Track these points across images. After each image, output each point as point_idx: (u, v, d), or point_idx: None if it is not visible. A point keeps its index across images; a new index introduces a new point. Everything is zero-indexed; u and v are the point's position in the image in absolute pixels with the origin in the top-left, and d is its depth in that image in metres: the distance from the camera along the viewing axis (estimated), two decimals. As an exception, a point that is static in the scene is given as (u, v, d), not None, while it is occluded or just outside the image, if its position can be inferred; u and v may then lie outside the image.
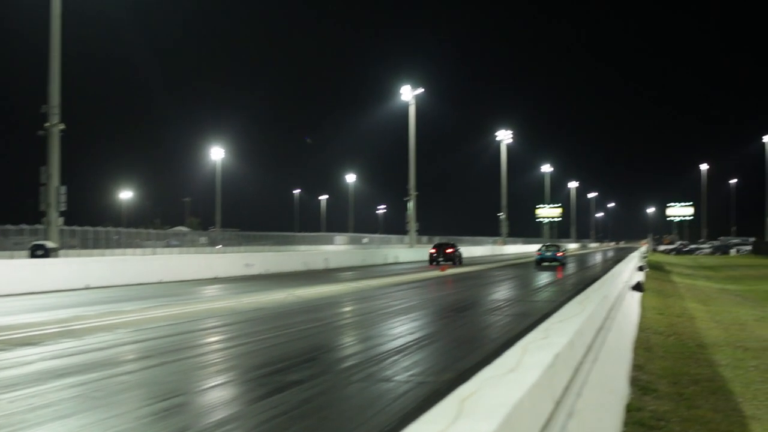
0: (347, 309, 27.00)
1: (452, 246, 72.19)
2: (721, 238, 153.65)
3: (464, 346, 17.30)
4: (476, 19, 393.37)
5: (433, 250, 71.07)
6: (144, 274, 40.99)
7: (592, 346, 7.31)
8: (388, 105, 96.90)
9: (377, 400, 11.24)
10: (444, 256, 69.29)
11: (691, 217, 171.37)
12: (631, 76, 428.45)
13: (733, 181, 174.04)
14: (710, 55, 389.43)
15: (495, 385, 3.91)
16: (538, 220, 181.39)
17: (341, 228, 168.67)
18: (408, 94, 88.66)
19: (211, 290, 35.12)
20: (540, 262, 64.31)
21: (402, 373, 13.31)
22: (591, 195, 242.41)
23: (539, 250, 67.66)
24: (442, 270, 53.26)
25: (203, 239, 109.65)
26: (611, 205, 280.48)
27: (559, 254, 65.38)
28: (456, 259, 70.06)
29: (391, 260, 75.00)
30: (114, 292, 33.13)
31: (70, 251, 65.68)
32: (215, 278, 44.57)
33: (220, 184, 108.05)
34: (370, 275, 47.04)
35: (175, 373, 13.75)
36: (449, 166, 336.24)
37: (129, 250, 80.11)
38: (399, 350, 16.06)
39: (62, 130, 44.71)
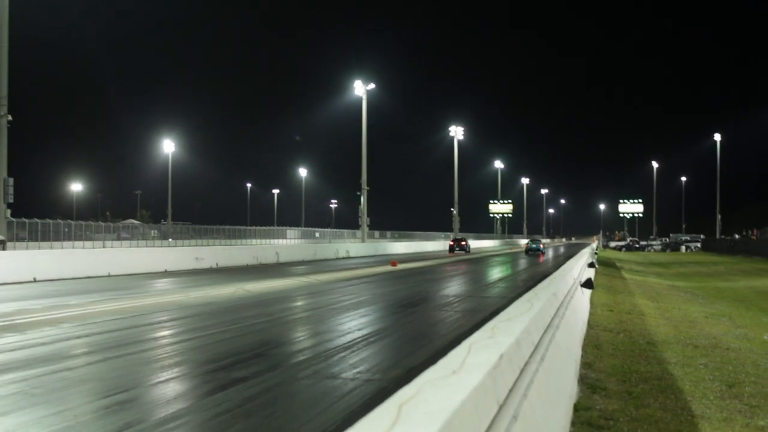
0: (297, 304, 26.80)
1: (464, 240, 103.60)
2: (672, 235, 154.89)
3: (413, 342, 17.15)
4: (430, 15, 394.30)
5: (452, 243, 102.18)
6: (92, 267, 40.60)
7: (539, 344, 7.20)
8: (341, 100, 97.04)
9: (323, 398, 11.08)
10: (459, 246, 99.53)
11: (642, 214, 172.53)
12: (584, 72, 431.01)
13: (684, 178, 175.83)
14: (664, 53, 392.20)
15: (436, 387, 3.76)
16: (491, 215, 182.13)
17: (294, 222, 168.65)
18: (360, 88, 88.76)
19: (160, 284, 34.81)
20: (528, 251, 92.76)
21: (349, 370, 13.16)
22: (543, 191, 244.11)
23: (527, 243, 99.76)
24: (393, 265, 53.17)
25: (154, 232, 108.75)
26: (563, 201, 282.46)
27: (542, 245, 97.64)
28: (467, 248, 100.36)
29: (342, 255, 74.98)
30: (61, 286, 32.77)
31: (18, 243, 64.93)
32: (165, 272, 44.27)
33: (171, 177, 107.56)
34: (321, 270, 46.95)
35: (120, 368, 13.51)
36: (403, 162, 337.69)
37: (79, 243, 79.14)
38: (347, 346, 15.92)
39: (9, 122, 44.18)
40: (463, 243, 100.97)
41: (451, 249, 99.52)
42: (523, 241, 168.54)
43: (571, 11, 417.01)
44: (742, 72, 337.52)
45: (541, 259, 74.75)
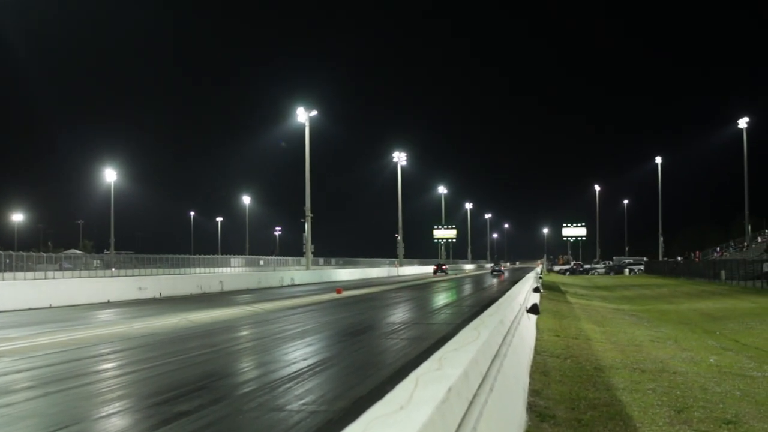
0: (241, 334, 26.54)
1: (444, 264, 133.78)
2: (615, 258, 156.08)
3: (359, 372, 16.98)
4: (372, 43, 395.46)
5: (436, 267, 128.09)
6: (34, 298, 40.07)
7: (487, 375, 7.07)
8: (284, 127, 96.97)
9: (268, 431, 10.89)
10: (441, 270, 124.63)
11: (585, 238, 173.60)
12: (527, 97, 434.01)
13: (626, 201, 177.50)
14: (606, 76, 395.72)
15: (384, 424, 3.62)
16: (435, 241, 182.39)
17: (238, 250, 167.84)
18: (303, 115, 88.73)
19: (102, 315, 34.38)
20: (493, 272, 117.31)
21: (295, 401, 12.97)
22: (487, 216, 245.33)
23: (492, 266, 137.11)
24: (338, 293, 52.99)
25: (97, 262, 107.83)
26: (507, 225, 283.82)
27: (503, 268, 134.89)
28: (446, 271, 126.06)
29: (287, 282, 74.65)
30: (1, 318, 32.24)
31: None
32: (108, 302, 43.77)
33: (113, 206, 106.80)
34: (266, 298, 46.66)
35: (61, 404, 13.21)
36: (347, 188, 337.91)
37: (20, 274, 78.19)
38: (293, 377, 15.72)
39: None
40: (444, 267, 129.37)
41: (435, 272, 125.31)
42: (468, 266, 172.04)
43: (522, 37, 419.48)
44: (686, 93, 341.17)
45: (502, 278, 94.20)
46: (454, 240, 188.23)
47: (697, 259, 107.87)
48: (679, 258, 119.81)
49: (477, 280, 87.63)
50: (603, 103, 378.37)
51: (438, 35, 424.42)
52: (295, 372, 16.50)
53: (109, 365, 18.71)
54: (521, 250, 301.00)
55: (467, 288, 65.56)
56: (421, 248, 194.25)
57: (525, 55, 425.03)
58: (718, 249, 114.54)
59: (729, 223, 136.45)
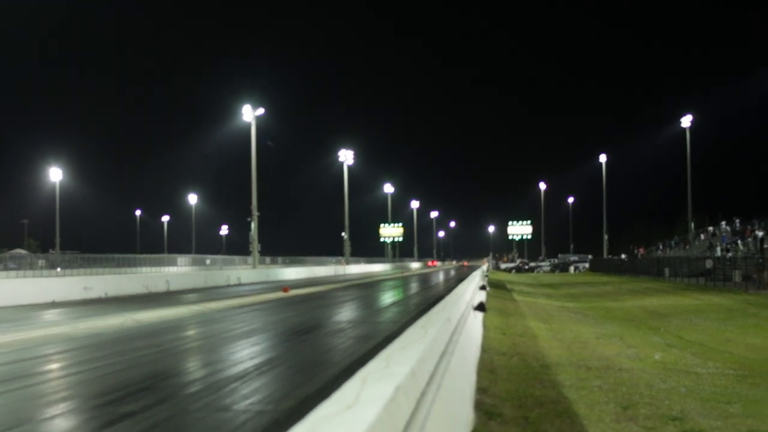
0: (188, 333, 26.37)
1: (436, 260, 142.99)
2: (560, 255, 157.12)
3: (306, 371, 16.91)
4: (318, 41, 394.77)
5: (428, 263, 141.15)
6: (-25, 299, 39.58)
7: (435, 373, 7.05)
8: (230, 126, 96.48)
9: (214, 431, 10.83)
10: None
11: (531, 236, 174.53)
12: (471, 95, 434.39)
13: (571, 199, 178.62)
14: (551, 75, 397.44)
15: (330, 424, 3.58)
16: (381, 239, 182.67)
17: (185, 250, 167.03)
18: (249, 114, 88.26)
19: (47, 315, 34.01)
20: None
21: (241, 401, 12.90)
22: (433, 214, 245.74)
23: (455, 262, 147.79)
24: (285, 291, 52.81)
25: (42, 262, 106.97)
26: (453, 224, 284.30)
27: (465, 263, 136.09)
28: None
29: (234, 282, 74.23)
30: (-58, 319, 31.82)
31: None
32: (53, 302, 43.28)
33: (59, 205, 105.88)
34: (212, 297, 46.39)
35: (3, 406, 12.98)
36: (294, 187, 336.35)
37: (-37, 274, 77.55)
38: (239, 376, 15.62)
39: None
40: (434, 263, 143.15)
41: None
42: (415, 264, 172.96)
43: (457, 29, 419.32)
44: (630, 93, 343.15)
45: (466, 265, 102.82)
46: (401, 239, 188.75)
47: (641, 257, 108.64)
48: (623, 255, 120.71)
49: (424, 279, 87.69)
50: (552, 98, 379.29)
51: (384, 35, 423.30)
52: (241, 371, 16.40)
53: (54, 366, 18.51)
54: (468, 249, 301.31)
55: (414, 286, 65.64)
56: (368, 247, 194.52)
57: (468, 57, 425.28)
58: (661, 246, 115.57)
59: (674, 221, 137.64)
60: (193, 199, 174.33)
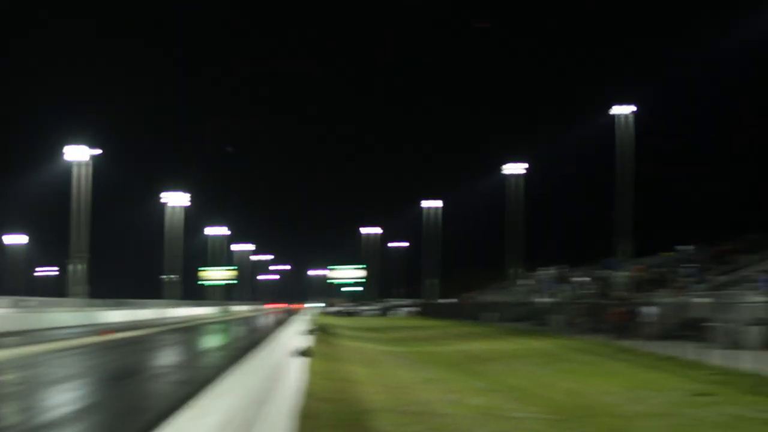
0: (3, 378, 25.61)
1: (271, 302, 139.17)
2: (386, 299, 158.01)
3: (125, 417, 16.70)
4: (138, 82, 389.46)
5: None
6: None
7: (255, 419, 7.10)
8: (54, 165, 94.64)
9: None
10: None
11: (360, 279, 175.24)
12: (299, 136, 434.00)
13: (405, 243, 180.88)
14: (392, 121, 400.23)
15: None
16: (200, 282, 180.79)
17: (5, 291, 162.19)
18: (72, 153, 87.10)
19: None
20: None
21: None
22: (264, 257, 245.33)
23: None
24: (109, 334, 51.79)
25: None
26: (285, 267, 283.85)
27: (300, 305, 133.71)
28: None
29: (57, 324, 72.31)
30: None
31: None
32: None
33: None
34: (32, 340, 45.09)
35: None
36: (121, 228, 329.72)
37: None
38: (56, 423, 15.33)
39: None
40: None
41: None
42: (243, 307, 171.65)
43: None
44: (463, 136, 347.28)
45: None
46: (237, 281, 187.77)
47: (466, 301, 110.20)
48: (452, 300, 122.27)
49: (248, 322, 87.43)
50: (387, 146, 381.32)
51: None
52: (58, 417, 16.08)
53: None
54: (296, 292, 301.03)
55: (240, 330, 65.27)
56: (195, 289, 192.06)
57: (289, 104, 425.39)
58: (485, 291, 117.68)
59: (499, 266, 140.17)
60: (8, 239, 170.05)
